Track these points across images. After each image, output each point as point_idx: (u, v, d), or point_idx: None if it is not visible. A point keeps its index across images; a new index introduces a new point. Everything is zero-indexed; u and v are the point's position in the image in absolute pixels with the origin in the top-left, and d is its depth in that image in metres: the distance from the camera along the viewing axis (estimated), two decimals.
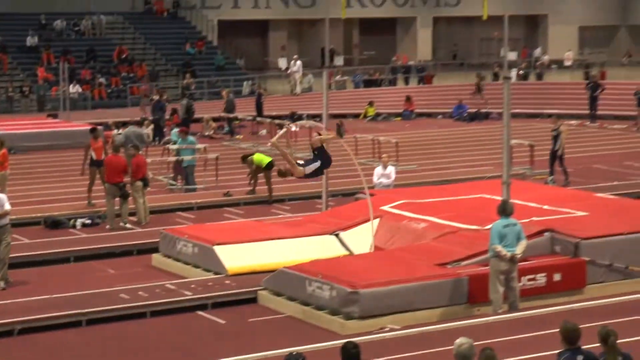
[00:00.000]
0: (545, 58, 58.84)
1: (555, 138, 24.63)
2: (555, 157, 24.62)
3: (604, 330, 8.63)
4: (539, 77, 49.90)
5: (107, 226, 20.42)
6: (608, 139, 33.68)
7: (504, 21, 15.57)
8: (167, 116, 34.52)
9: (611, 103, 38.88)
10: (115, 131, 28.41)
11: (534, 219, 16.31)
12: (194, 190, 24.09)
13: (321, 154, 14.66)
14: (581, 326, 8.84)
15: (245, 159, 23.71)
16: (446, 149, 31.69)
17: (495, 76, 48.65)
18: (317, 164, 14.64)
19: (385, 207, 17.94)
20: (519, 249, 13.83)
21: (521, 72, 48.53)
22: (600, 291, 15.06)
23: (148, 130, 32.81)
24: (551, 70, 56.05)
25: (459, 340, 8.32)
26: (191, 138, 25.46)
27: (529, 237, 14.62)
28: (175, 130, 26.88)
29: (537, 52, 60.44)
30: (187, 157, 24.43)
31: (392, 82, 50.45)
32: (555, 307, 14.22)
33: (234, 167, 26.14)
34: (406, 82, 50.43)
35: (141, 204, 20.85)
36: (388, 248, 16.53)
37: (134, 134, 25.18)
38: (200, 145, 25.36)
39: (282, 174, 15.24)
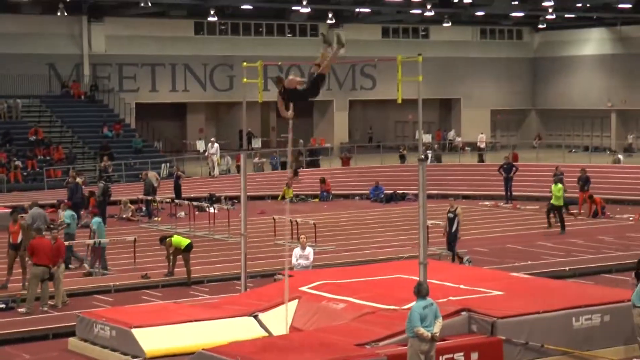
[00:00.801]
0: (459, 140, 60.06)
1: (452, 220, 24.95)
2: (454, 238, 24.88)
3: None
4: (438, 159, 50.52)
5: (23, 310, 20.07)
6: (521, 219, 34.33)
7: (419, 105, 15.89)
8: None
9: (523, 184, 39.80)
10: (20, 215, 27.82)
11: (451, 298, 16.53)
12: (105, 273, 23.86)
13: (315, 85, 15.07)
14: None
15: (163, 240, 23.63)
16: (364, 229, 31.96)
17: (402, 158, 49.41)
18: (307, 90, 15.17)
19: (304, 288, 18.01)
20: (436, 328, 13.95)
21: (427, 154, 49.22)
22: None
23: (64, 213, 32.38)
24: (465, 152, 57.21)
25: None
26: (95, 219, 25.09)
27: (447, 316, 14.81)
28: (68, 212, 26.25)
29: (451, 134, 61.71)
30: (103, 240, 24.24)
31: (314, 164, 50.75)
32: None
33: (152, 249, 26.00)
34: (317, 164, 50.71)
35: (60, 287, 20.59)
36: (307, 329, 16.57)
37: (39, 215, 24.87)
38: (94, 227, 24.89)
39: (278, 82, 15.31)
